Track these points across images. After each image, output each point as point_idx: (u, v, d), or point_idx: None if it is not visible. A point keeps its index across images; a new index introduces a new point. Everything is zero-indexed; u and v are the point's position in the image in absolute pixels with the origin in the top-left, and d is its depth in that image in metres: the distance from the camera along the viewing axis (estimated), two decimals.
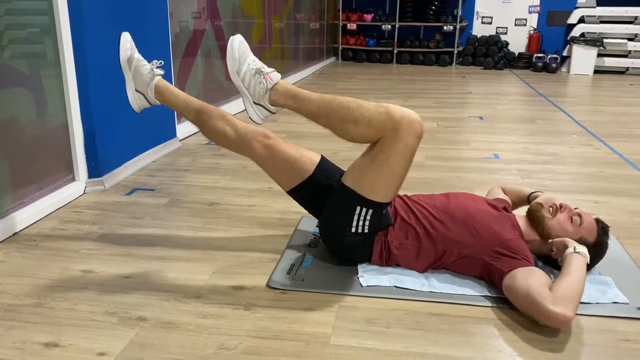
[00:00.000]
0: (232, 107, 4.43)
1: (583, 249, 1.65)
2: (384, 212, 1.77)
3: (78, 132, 2.55)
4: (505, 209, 1.90)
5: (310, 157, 1.89)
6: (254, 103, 1.77)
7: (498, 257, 1.67)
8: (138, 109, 1.98)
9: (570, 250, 1.65)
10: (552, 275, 1.67)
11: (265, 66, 1.76)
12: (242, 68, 1.74)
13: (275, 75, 1.74)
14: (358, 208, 1.73)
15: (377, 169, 1.69)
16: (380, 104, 1.67)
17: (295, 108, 1.74)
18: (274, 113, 1.79)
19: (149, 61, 1.94)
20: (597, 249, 1.76)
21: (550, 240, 1.75)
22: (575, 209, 1.81)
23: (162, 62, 1.95)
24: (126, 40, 1.93)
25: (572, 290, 1.50)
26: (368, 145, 1.74)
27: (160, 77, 1.93)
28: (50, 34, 2.38)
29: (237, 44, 1.75)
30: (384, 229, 1.80)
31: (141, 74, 1.91)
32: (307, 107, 1.73)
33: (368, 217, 1.74)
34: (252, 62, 1.76)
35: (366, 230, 1.76)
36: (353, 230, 1.76)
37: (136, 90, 1.94)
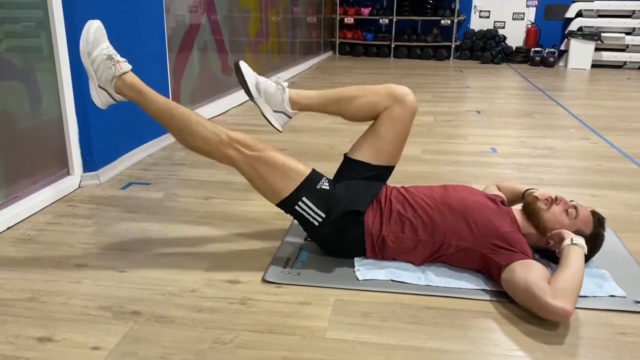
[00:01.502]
0: (229, 101, 4.41)
1: (580, 240, 1.65)
2: (318, 187, 1.76)
3: (73, 125, 2.53)
4: (502, 203, 1.89)
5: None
6: (99, 87, 1.81)
7: (496, 250, 1.67)
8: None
9: (567, 242, 1.64)
10: (549, 269, 1.66)
11: (119, 55, 1.80)
12: (94, 51, 1.77)
13: (125, 65, 1.79)
14: (296, 207, 1.76)
15: (259, 182, 1.78)
16: (215, 125, 1.76)
17: (138, 102, 1.80)
18: (117, 101, 1.84)
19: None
20: (593, 241, 1.75)
21: (549, 234, 1.75)
22: (570, 201, 1.81)
23: (281, 75, 2.01)
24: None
25: (571, 283, 1.50)
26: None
27: (287, 88, 1.94)
28: (45, 28, 2.36)
29: (95, 28, 1.79)
30: (356, 207, 1.78)
31: (271, 93, 1.92)
32: (148, 106, 1.79)
33: (309, 204, 1.75)
34: (107, 48, 1.80)
35: (323, 214, 1.75)
36: (316, 223, 1.76)
37: (274, 111, 1.94)
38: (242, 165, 1.76)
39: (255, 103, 1.94)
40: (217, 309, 1.57)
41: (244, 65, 1.92)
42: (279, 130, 1.96)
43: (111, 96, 1.82)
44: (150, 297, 1.63)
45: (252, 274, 1.77)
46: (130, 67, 1.81)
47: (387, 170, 1.95)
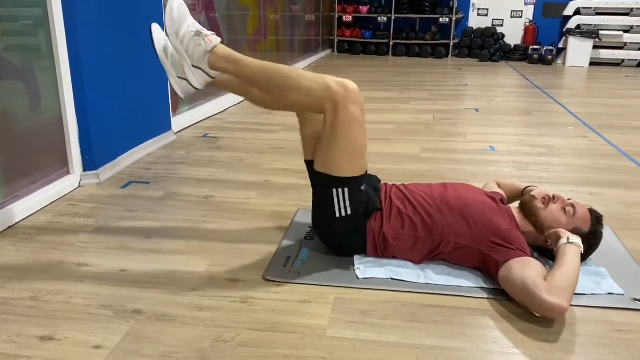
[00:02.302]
0: (228, 100, 4.41)
1: (577, 240, 1.66)
2: (362, 188, 1.77)
3: (72, 125, 2.53)
4: (501, 201, 1.90)
5: None
6: (193, 66, 1.74)
7: (494, 248, 1.68)
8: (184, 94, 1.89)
9: (564, 241, 1.65)
10: (547, 267, 1.67)
11: (205, 29, 1.73)
12: (182, 29, 1.70)
13: (215, 38, 1.72)
14: (334, 190, 1.74)
15: (334, 145, 1.70)
16: (319, 75, 1.69)
17: (235, 72, 1.73)
18: (213, 78, 1.77)
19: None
20: (591, 239, 1.77)
21: (546, 234, 1.76)
22: (568, 199, 1.82)
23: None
24: (157, 31, 1.87)
25: (566, 280, 1.51)
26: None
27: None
28: (44, 27, 2.36)
29: (177, 6, 1.72)
30: (370, 213, 1.80)
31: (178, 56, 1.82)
32: (246, 72, 1.72)
33: (347, 197, 1.74)
34: (192, 24, 1.73)
35: (349, 212, 1.75)
36: (337, 214, 1.75)
37: (178, 77, 1.84)
38: (337, 120, 1.66)
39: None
40: (218, 308, 1.58)
41: (155, 29, 1.86)
42: (180, 98, 1.90)
43: (207, 74, 1.73)
44: (152, 295, 1.64)
45: (252, 272, 1.78)
46: (219, 39, 1.72)
47: None
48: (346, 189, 1.73)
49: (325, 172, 1.74)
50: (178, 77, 1.82)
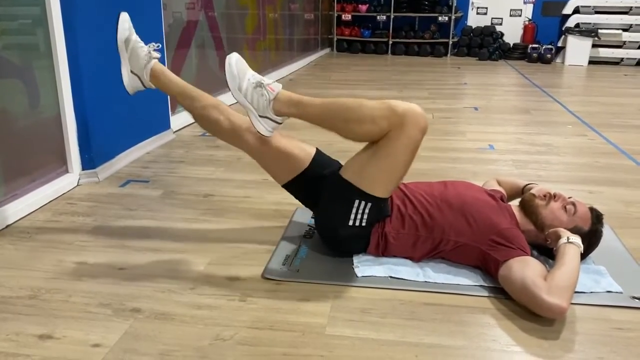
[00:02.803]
0: (226, 98, 4.40)
1: (576, 239, 1.66)
2: (382, 205, 1.76)
3: (71, 123, 2.53)
4: (501, 199, 1.90)
5: (305, 150, 1.88)
6: (260, 116, 1.75)
7: (494, 246, 1.68)
8: (132, 91, 1.95)
9: (563, 240, 1.65)
10: (547, 265, 1.67)
11: (265, 78, 1.75)
12: (243, 84, 1.73)
13: (276, 86, 1.73)
14: (357, 202, 1.72)
15: (378, 163, 1.68)
16: (382, 101, 1.65)
17: (299, 115, 1.73)
18: (280, 123, 1.77)
19: (146, 44, 1.91)
20: (591, 237, 1.77)
21: (546, 233, 1.76)
22: (569, 198, 1.82)
23: (159, 46, 1.93)
24: (124, 21, 1.91)
25: (566, 280, 1.51)
26: None
27: (156, 60, 1.91)
28: (42, 25, 2.36)
29: (235, 61, 1.73)
30: (380, 220, 1.80)
31: (138, 55, 1.89)
32: (310, 112, 1.72)
33: (366, 211, 1.73)
34: (252, 76, 1.74)
35: (364, 224, 1.75)
36: (350, 223, 1.75)
37: (131, 72, 1.92)
38: (395, 142, 1.64)
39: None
40: (217, 306, 1.58)
41: (123, 17, 1.90)
42: (128, 93, 1.95)
43: (275, 121, 1.74)
44: (150, 294, 1.63)
45: (251, 270, 1.78)
46: (280, 86, 1.74)
47: None
48: (369, 204, 1.72)
49: (354, 183, 1.71)
50: (131, 71, 1.90)
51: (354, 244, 1.83)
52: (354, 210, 1.73)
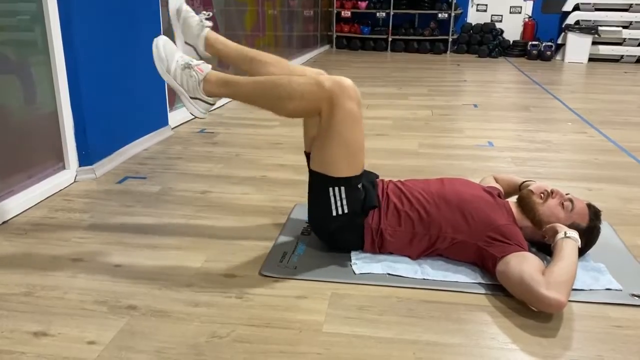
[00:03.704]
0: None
1: (574, 234, 1.65)
2: (359, 186, 1.75)
3: (68, 119, 2.51)
4: (499, 196, 1.89)
5: None
6: (191, 98, 1.75)
7: (492, 243, 1.67)
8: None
9: (561, 235, 1.64)
10: (545, 262, 1.66)
11: (194, 60, 1.75)
12: (172, 66, 1.73)
13: (205, 67, 1.73)
14: (331, 189, 1.72)
15: (331, 144, 1.68)
16: (310, 76, 1.67)
17: (231, 94, 1.74)
18: (212, 104, 1.77)
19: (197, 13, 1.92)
20: (589, 234, 1.76)
21: (543, 229, 1.75)
22: (566, 194, 1.81)
23: (210, 14, 1.92)
24: None
25: (564, 274, 1.50)
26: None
27: (209, 28, 1.89)
28: (39, 21, 2.34)
29: (162, 43, 1.74)
30: (368, 211, 1.78)
31: (190, 25, 1.88)
32: (241, 92, 1.72)
33: (343, 196, 1.72)
34: (180, 58, 1.74)
35: (346, 210, 1.74)
36: (334, 213, 1.74)
37: (186, 42, 1.90)
38: (334, 119, 1.64)
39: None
40: (214, 303, 1.57)
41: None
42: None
43: (206, 102, 1.75)
44: (147, 291, 1.62)
45: (248, 268, 1.77)
46: (209, 66, 1.74)
47: None
48: (343, 188, 1.72)
49: (322, 172, 1.72)
50: (186, 42, 1.86)
51: (348, 237, 1.81)
52: (332, 200, 1.72)
